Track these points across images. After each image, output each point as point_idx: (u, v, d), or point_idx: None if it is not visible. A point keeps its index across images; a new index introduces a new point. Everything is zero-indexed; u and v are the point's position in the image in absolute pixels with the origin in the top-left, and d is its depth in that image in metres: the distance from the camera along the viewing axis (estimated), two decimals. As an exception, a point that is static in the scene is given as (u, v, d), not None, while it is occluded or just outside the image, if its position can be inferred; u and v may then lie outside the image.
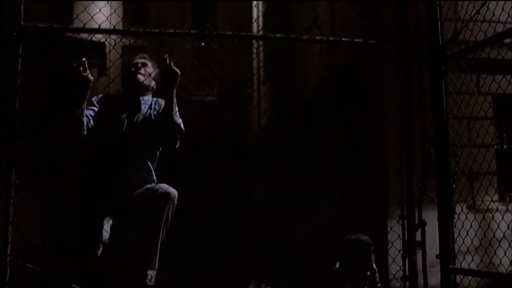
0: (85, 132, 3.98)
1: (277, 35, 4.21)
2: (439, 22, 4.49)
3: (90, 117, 4.07)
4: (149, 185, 4.12)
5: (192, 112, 4.32)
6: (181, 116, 4.16)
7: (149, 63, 4.33)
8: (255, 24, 17.24)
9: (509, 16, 4.62)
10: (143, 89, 4.26)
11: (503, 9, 4.47)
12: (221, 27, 21.36)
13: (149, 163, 4.22)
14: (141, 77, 4.22)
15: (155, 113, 4.21)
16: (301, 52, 11.72)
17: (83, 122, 3.95)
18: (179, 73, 3.96)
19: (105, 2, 6.33)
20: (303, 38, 4.41)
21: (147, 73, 4.26)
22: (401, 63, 4.79)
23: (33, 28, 4.31)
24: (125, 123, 4.12)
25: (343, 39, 4.43)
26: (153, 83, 4.33)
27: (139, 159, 4.14)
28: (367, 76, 8.68)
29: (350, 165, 10.10)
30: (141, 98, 4.25)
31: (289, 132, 13.39)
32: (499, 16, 4.61)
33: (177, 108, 4.11)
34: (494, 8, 4.58)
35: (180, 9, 21.19)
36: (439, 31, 4.50)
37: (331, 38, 4.58)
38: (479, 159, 5.23)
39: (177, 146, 4.16)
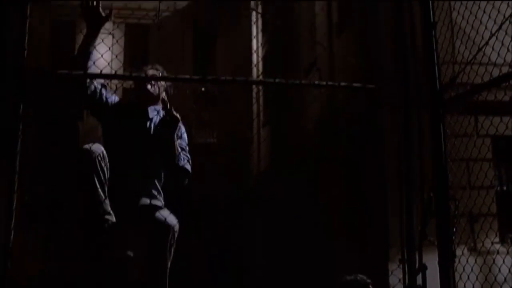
0: (97, 93, 4.08)
1: (277, 80, 4.25)
2: (436, 67, 4.55)
3: (104, 91, 4.15)
4: (154, 204, 4.14)
5: (192, 155, 4.34)
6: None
7: (159, 74, 4.39)
8: (255, 69, 17.40)
9: (504, 61, 4.69)
10: (154, 99, 4.33)
11: (498, 55, 4.54)
12: (221, 68, 21.65)
13: (156, 177, 4.26)
14: (151, 88, 4.28)
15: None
16: (300, 94, 11.83)
17: (92, 64, 3.98)
18: (179, 118, 4.05)
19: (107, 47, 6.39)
20: (303, 83, 4.46)
21: (158, 84, 4.33)
22: (400, 107, 4.82)
23: (36, 73, 4.36)
24: (136, 131, 4.19)
25: (342, 83, 4.47)
26: (163, 94, 4.38)
27: (148, 167, 4.18)
28: (366, 118, 8.74)
29: (351, 207, 10.10)
30: (152, 108, 4.32)
31: (290, 174, 13.40)
32: (495, 60, 4.68)
33: (180, 149, 4.18)
34: (490, 53, 4.65)
35: (180, 52, 21.39)
36: (437, 76, 4.55)
37: (330, 83, 4.62)
38: (480, 201, 5.23)
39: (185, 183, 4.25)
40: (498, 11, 4.70)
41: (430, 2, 4.67)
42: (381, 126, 8.39)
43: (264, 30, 19.18)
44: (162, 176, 4.33)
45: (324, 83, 4.70)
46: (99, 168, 3.83)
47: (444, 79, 4.63)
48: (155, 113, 4.32)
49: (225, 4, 18.58)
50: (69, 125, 21.09)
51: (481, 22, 4.95)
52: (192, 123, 22.20)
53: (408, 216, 4.65)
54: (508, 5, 4.50)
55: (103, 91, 4.17)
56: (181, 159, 4.19)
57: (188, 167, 4.24)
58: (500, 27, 4.48)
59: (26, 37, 4.02)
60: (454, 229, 4.57)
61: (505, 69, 4.98)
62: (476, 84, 4.30)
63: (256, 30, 19.78)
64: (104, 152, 3.91)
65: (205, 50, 23.18)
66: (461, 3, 5.04)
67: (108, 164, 3.92)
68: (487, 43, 4.51)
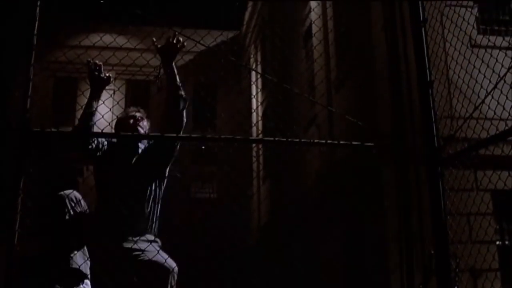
0: (94, 144, 4.25)
1: (277, 139, 4.31)
2: (434, 125, 4.61)
3: (100, 141, 4.33)
4: (150, 245, 4.16)
5: (193, 209, 4.37)
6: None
7: (143, 115, 4.62)
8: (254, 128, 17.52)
9: (501, 118, 4.76)
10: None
11: (494, 112, 4.61)
12: (221, 124, 21.81)
13: (148, 209, 4.31)
14: (140, 129, 4.49)
15: (149, 146, 4.47)
16: (300, 149, 11.89)
17: (93, 123, 4.21)
18: (183, 45, 4.32)
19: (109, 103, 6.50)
20: (303, 141, 4.49)
21: (144, 125, 4.54)
22: (398, 163, 4.87)
23: (39, 133, 4.43)
24: (124, 166, 4.31)
25: (341, 142, 4.52)
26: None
27: (138, 201, 4.25)
28: (365, 174, 8.77)
29: (351, 264, 10.04)
30: (137, 145, 4.52)
31: (290, 229, 13.36)
32: (492, 116, 4.74)
33: (179, 80, 4.39)
34: (487, 111, 4.72)
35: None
36: (435, 133, 4.61)
37: (329, 141, 4.67)
38: (482, 256, 5.22)
39: (184, 117, 4.39)
40: (493, 71, 4.80)
41: (427, 61, 4.77)
42: (380, 181, 8.42)
43: (264, 86, 19.42)
44: (158, 195, 4.40)
45: (324, 141, 4.76)
46: (70, 211, 4.02)
47: (442, 133, 4.69)
48: (142, 146, 4.52)
49: (226, 63, 18.88)
50: (69, 180, 21.17)
51: (476, 81, 5.05)
52: (193, 178, 22.27)
53: (408, 273, 4.65)
54: (502, 65, 4.60)
55: (100, 140, 4.35)
56: (180, 88, 4.39)
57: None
58: (495, 86, 4.56)
59: (29, 100, 4.12)
60: (456, 287, 4.55)
61: (501, 125, 5.04)
62: (472, 144, 4.35)
63: (255, 90, 20.08)
64: (79, 197, 4.09)
65: (205, 107, 23.44)
66: (457, 62, 5.15)
67: (85, 207, 4.11)
68: (483, 101, 4.58)
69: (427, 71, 4.74)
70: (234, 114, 20.23)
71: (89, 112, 4.23)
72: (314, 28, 14.01)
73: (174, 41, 4.33)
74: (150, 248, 4.16)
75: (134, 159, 4.41)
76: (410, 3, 4.95)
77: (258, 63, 21.25)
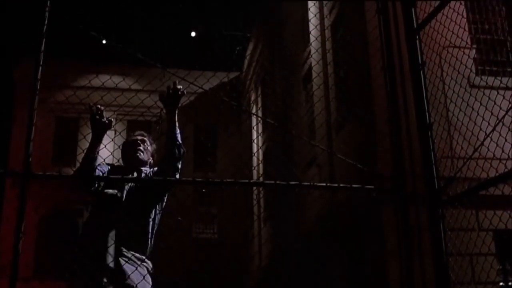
0: (96, 184, 4.34)
1: (277, 182, 4.34)
2: (434, 167, 4.64)
3: (102, 172, 4.44)
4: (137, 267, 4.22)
5: (194, 249, 4.39)
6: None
7: (147, 140, 4.73)
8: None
9: (500, 158, 4.79)
10: (142, 163, 4.63)
11: (494, 154, 4.64)
12: (222, 166, 21.82)
13: (148, 228, 4.40)
14: (141, 155, 4.61)
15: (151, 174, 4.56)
16: (301, 191, 11.88)
17: (95, 166, 4.32)
18: (184, 93, 4.40)
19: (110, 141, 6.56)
20: (303, 184, 4.52)
21: (146, 149, 4.66)
22: (399, 204, 4.87)
23: (41, 176, 4.48)
24: (125, 190, 4.41)
25: (341, 185, 4.55)
26: (150, 159, 4.72)
27: (139, 219, 4.35)
28: (366, 216, 8.77)
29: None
30: (142, 170, 4.61)
31: (290, 270, 13.28)
32: (492, 157, 4.77)
33: (179, 130, 4.47)
34: (486, 152, 4.76)
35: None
36: (435, 175, 4.63)
37: (329, 185, 4.70)
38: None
39: (180, 162, 4.45)
40: (491, 113, 4.84)
41: (426, 104, 4.82)
42: (380, 223, 8.41)
43: (264, 129, 19.52)
44: (155, 219, 4.48)
45: (324, 184, 4.79)
46: None
47: (442, 174, 4.71)
48: (144, 174, 4.59)
49: (226, 106, 19.03)
50: (70, 221, 21.20)
51: (475, 123, 5.10)
52: (194, 219, 22.24)
53: (411, 316, 4.61)
54: (500, 108, 4.65)
55: (99, 173, 4.42)
56: (178, 137, 4.45)
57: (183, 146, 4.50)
58: (494, 128, 4.60)
59: (31, 146, 4.18)
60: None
61: (501, 166, 5.07)
62: (472, 187, 4.36)
63: (256, 134, 20.20)
64: None
65: (205, 149, 23.54)
66: (455, 105, 5.20)
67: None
68: (482, 143, 4.62)
69: (426, 113, 4.78)
70: (234, 157, 20.32)
71: (91, 157, 4.31)
72: (314, 74, 14.16)
73: (175, 89, 4.41)
74: (136, 274, 4.20)
75: (136, 184, 4.49)
76: (409, 46, 5.01)
77: (259, 107, 21.42)
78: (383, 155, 7.99)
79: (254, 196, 18.46)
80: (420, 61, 4.92)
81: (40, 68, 4.34)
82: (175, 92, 4.38)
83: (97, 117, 4.30)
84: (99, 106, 4.34)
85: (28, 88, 4.59)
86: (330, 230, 11.03)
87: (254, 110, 21.81)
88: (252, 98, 22.91)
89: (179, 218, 4.61)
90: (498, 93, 4.94)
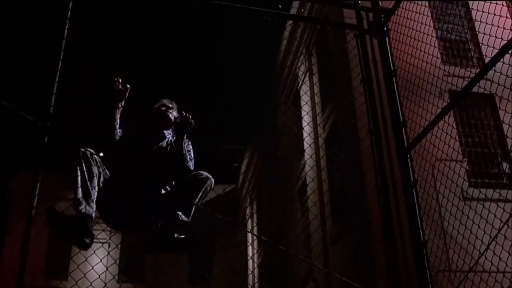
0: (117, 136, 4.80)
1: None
2: (430, 286, 4.61)
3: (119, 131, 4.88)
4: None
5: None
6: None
7: (174, 107, 5.20)
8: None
9: (498, 271, 4.76)
10: (168, 125, 5.14)
11: (493, 264, 4.63)
12: (217, 278, 21.57)
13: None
14: (170, 115, 5.12)
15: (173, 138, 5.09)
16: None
17: (117, 127, 4.79)
18: (193, 123, 4.86)
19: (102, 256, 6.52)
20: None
21: (173, 114, 5.15)
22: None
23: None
24: (154, 147, 4.98)
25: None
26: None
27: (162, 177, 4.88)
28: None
29: None
30: (167, 131, 5.14)
31: None
32: (490, 268, 4.74)
33: (187, 148, 4.96)
34: (484, 262, 4.73)
35: (175, 264, 21.47)
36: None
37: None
38: None
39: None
40: (492, 226, 4.87)
41: (419, 222, 4.85)
42: None
43: (260, 244, 19.47)
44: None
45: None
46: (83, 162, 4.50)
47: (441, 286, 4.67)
48: (169, 134, 5.14)
49: (221, 223, 19.13)
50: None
51: (471, 232, 5.09)
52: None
53: None
54: (495, 216, 4.68)
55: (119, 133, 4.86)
56: (187, 159, 4.92)
57: (191, 165, 4.98)
58: (493, 239, 4.61)
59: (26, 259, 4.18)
60: None
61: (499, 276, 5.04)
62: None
63: (252, 251, 20.22)
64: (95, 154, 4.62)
65: (201, 264, 23.35)
66: (450, 213, 5.22)
67: (101, 163, 4.64)
68: (482, 254, 4.62)
69: (420, 231, 4.80)
70: (230, 272, 20.21)
71: (114, 119, 4.78)
72: (309, 191, 14.30)
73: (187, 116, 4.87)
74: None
75: (164, 143, 5.04)
76: (401, 165, 5.09)
77: (254, 224, 21.55)
78: (380, 271, 7.94)
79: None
80: (412, 179, 4.99)
81: (38, 184, 4.39)
82: (187, 119, 4.83)
83: (118, 84, 4.73)
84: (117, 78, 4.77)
85: (25, 200, 4.68)
86: None
87: (249, 225, 21.84)
88: (248, 213, 22.99)
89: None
90: (484, 207, 4.98)
